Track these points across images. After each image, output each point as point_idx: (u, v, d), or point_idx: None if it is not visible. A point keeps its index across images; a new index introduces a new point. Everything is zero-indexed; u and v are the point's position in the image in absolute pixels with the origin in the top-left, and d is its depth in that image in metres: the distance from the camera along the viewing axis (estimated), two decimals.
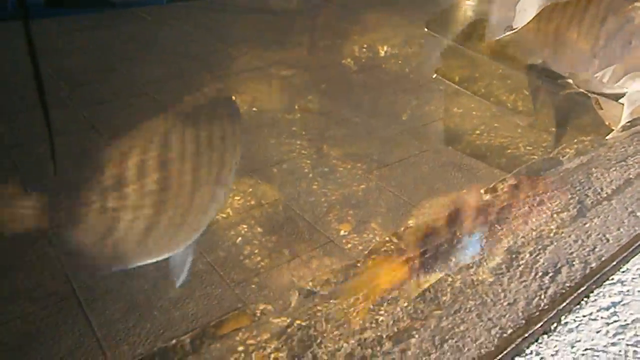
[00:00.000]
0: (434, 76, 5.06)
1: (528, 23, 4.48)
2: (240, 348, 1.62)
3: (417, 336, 1.63)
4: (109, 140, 3.00)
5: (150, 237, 1.51)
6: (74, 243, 1.48)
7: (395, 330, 1.66)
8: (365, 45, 5.20)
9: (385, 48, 5.30)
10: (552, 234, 2.03)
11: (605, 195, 2.25)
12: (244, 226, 2.08)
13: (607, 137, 2.72)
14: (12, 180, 1.59)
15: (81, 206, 1.48)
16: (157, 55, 5.19)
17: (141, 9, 8.33)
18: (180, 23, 6.86)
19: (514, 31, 4.60)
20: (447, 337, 1.62)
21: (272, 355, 1.59)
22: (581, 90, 4.19)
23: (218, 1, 10.96)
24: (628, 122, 3.04)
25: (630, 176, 2.37)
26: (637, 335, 1.59)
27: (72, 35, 5.66)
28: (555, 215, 2.12)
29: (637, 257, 1.90)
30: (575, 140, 2.74)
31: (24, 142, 2.87)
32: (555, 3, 4.48)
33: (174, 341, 1.64)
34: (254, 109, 3.16)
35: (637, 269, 1.85)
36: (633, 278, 1.81)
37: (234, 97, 3.00)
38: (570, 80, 4.28)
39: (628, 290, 1.77)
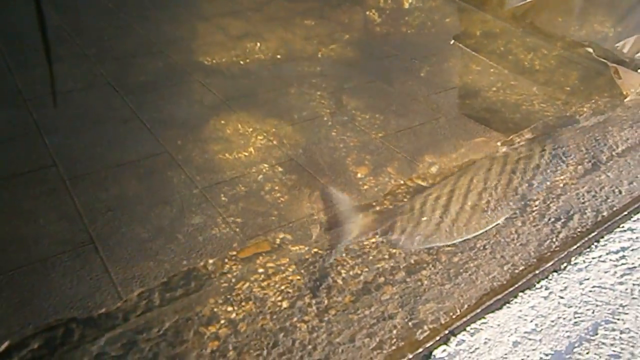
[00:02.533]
0: (452, 42, 5.05)
1: None
2: (261, 270, 1.69)
3: (431, 268, 1.69)
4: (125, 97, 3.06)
5: None
6: None
7: (410, 262, 1.72)
8: (382, 15, 5.17)
9: (402, 17, 5.26)
10: (565, 185, 2.07)
11: (619, 151, 2.28)
12: (265, 165, 2.13)
13: (625, 100, 2.74)
14: None
15: None
16: (172, 16, 5.18)
17: None
18: None
19: None
20: (460, 270, 1.68)
21: (291, 278, 1.66)
22: (601, 59, 4.18)
23: None
24: None
25: None
26: None
27: None
28: (570, 168, 2.16)
29: None
30: (593, 101, 2.76)
31: (44, 93, 2.91)
32: None
33: (200, 262, 1.71)
34: (278, 56, 3.18)
35: None
36: None
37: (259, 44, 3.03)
38: (590, 50, 4.26)
39: (638, 237, 1.82)
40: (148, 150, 2.30)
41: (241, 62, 3.17)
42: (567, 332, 1.48)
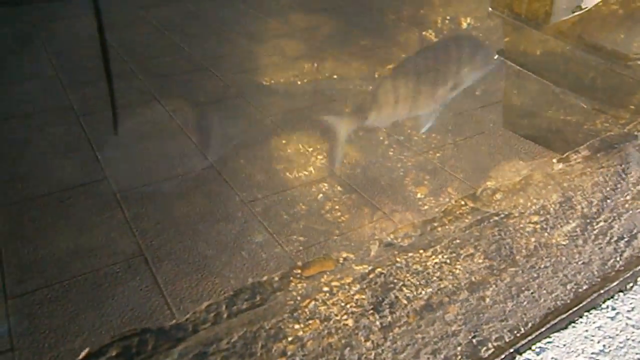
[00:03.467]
0: (496, 57, 5.04)
1: (598, 3, 4.39)
2: (325, 289, 1.75)
3: (493, 287, 1.71)
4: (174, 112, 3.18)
5: None
6: None
7: (472, 280, 1.75)
8: (428, 29, 5.21)
9: (451, 27, 5.29)
10: (627, 204, 2.05)
11: None
12: (325, 184, 2.20)
13: None
14: None
15: None
16: (217, 33, 5.36)
17: None
18: (238, 2, 7.04)
19: (583, 11, 4.52)
20: (523, 288, 1.70)
21: (356, 296, 1.71)
22: None
23: None
24: None
25: None
26: None
27: (135, 12, 5.91)
28: (631, 186, 2.14)
29: None
30: None
31: (95, 110, 3.07)
32: None
33: (265, 277, 1.78)
34: (335, 76, 3.27)
35: None
36: None
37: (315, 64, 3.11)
38: None
39: None
40: (198, 165, 2.41)
41: (298, 82, 3.26)
42: (637, 354, 1.48)
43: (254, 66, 3.81)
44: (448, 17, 5.19)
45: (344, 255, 1.88)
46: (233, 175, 2.31)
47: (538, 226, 1.97)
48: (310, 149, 2.47)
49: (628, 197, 2.09)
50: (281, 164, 2.41)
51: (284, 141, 2.57)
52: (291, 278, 1.79)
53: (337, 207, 2.11)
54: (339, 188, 2.20)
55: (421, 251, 1.86)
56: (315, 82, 3.28)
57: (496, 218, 1.99)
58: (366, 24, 4.69)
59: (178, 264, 1.90)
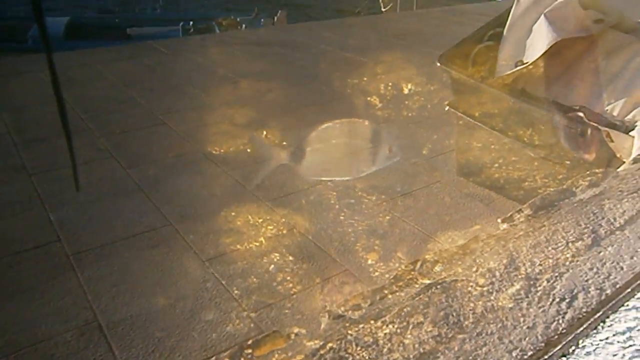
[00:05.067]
0: (447, 109, 5.23)
1: (538, 58, 4.65)
2: None
3: (442, 357, 1.73)
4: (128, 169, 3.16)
5: None
6: None
7: (421, 351, 1.76)
8: (379, 81, 5.39)
9: (399, 82, 5.48)
10: (568, 262, 2.13)
11: (618, 225, 2.35)
12: (276, 254, 2.21)
13: (618, 170, 2.84)
14: None
15: None
16: (174, 87, 5.41)
17: (157, 42, 8.68)
18: (196, 56, 7.16)
19: (524, 66, 4.77)
20: (470, 358, 1.72)
21: None
22: (592, 123, 4.32)
23: (229, 34, 11.34)
24: (639, 154, 3.15)
25: None
26: None
27: (93, 67, 5.93)
28: (570, 244, 2.23)
29: None
30: (588, 173, 2.86)
31: (49, 168, 3.03)
32: (565, 39, 4.66)
33: (213, 358, 1.75)
34: (284, 143, 3.33)
35: None
36: None
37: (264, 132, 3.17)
38: (582, 114, 4.41)
39: None
40: (156, 224, 2.39)
41: (248, 150, 3.31)
42: None
43: (212, 120, 3.84)
44: (396, 76, 5.39)
45: (296, 330, 1.88)
46: (191, 235, 2.30)
47: (485, 289, 2.02)
48: (260, 220, 2.49)
49: (568, 255, 2.17)
50: (233, 234, 2.41)
51: (233, 213, 2.58)
52: (242, 359, 1.77)
53: (288, 277, 2.12)
54: (290, 257, 2.21)
55: (372, 322, 1.87)
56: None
57: (444, 283, 2.03)
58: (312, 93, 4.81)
59: (133, 330, 1.85)
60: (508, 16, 5.10)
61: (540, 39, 4.72)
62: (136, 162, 3.11)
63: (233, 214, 2.56)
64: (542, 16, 4.72)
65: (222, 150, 3.40)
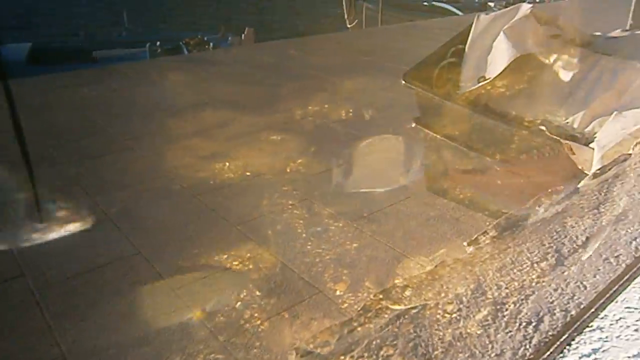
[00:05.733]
0: (413, 126, 5.29)
1: (499, 74, 4.75)
2: None
3: None
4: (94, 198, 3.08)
5: None
6: None
7: None
8: (345, 100, 5.42)
9: (365, 100, 5.52)
10: (533, 284, 2.15)
11: (580, 243, 2.40)
12: (244, 290, 2.18)
13: (579, 186, 2.90)
14: None
15: None
16: (140, 111, 5.34)
17: (123, 65, 8.58)
18: (161, 79, 7.10)
19: (486, 82, 4.87)
20: None
21: None
22: (554, 136, 4.42)
23: (197, 56, 11.30)
24: (598, 168, 3.23)
25: (603, 223, 2.53)
26: None
27: (57, 92, 5.82)
28: (535, 265, 2.26)
29: (613, 303, 2.03)
30: (550, 190, 2.91)
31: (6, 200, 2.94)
32: (524, 55, 4.78)
33: None
34: (247, 173, 3.31)
35: (614, 315, 1.98)
36: (611, 324, 1.94)
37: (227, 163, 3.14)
38: (543, 127, 4.51)
39: (607, 337, 1.89)
40: (124, 253, 2.33)
41: (211, 182, 3.28)
42: None
43: (179, 145, 3.79)
44: (363, 94, 5.42)
45: None
46: (161, 263, 2.25)
47: (453, 316, 2.02)
48: (225, 256, 2.46)
49: (533, 277, 2.19)
50: (201, 267, 2.37)
51: (195, 250, 2.54)
52: None
53: (256, 314, 2.08)
54: (257, 293, 2.18)
55: (341, 357, 1.86)
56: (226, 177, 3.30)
57: (413, 312, 2.03)
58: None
59: None
60: (469, 33, 5.21)
61: (500, 55, 4.83)
62: (102, 190, 3.04)
63: (195, 251, 2.52)
64: (502, 33, 4.84)
65: (189, 175, 3.35)
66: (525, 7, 5.06)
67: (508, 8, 5.22)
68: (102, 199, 2.85)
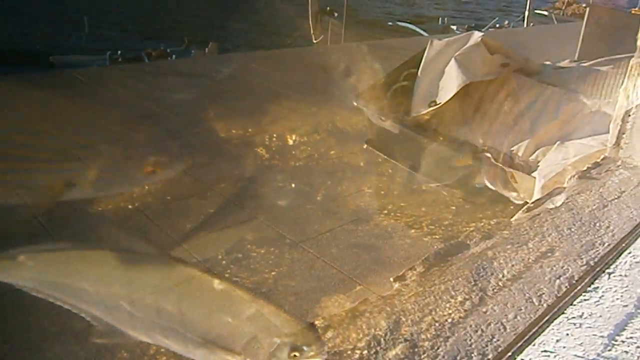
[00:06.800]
0: (365, 147, 5.25)
1: (449, 99, 4.77)
2: None
3: None
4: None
5: None
6: None
7: None
8: (298, 119, 5.36)
9: (319, 120, 5.47)
10: (453, 324, 2.10)
11: (505, 280, 2.36)
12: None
13: (511, 219, 2.89)
14: None
15: None
16: (92, 119, 5.15)
17: (80, 71, 8.33)
18: (118, 87, 6.91)
19: (437, 106, 4.88)
20: None
21: None
22: (498, 164, 4.44)
23: (157, 65, 11.10)
24: (532, 202, 3.23)
25: (530, 260, 2.51)
26: None
27: (7, 97, 5.57)
28: (457, 305, 2.21)
29: (530, 346, 2.00)
30: (483, 222, 2.89)
31: None
32: (474, 82, 4.82)
33: None
34: (168, 197, 3.19)
35: (530, 359, 1.94)
36: None
37: None
38: (489, 154, 4.53)
39: None
40: None
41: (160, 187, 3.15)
42: None
43: (128, 155, 3.63)
44: (317, 114, 5.37)
45: None
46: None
47: (365, 354, 1.94)
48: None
49: (455, 317, 2.14)
50: None
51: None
52: None
53: (162, 350, 1.97)
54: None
55: None
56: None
57: (326, 356, 1.94)
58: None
59: None
60: (422, 58, 5.23)
61: (451, 82, 4.85)
62: (45, 201, 2.87)
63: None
64: (453, 59, 4.87)
65: (136, 190, 3.22)
66: (477, 35, 5.11)
67: (460, 35, 5.27)
68: (42, 211, 2.69)
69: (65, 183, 3.52)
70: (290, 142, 4.93)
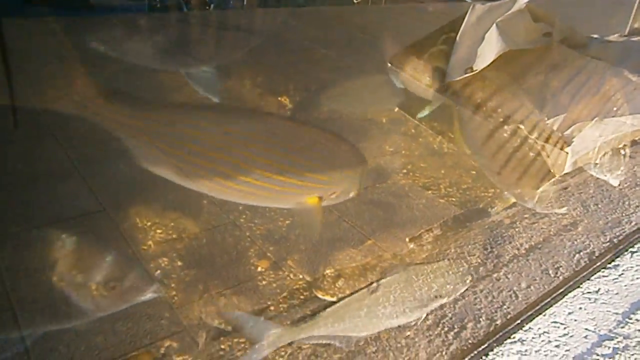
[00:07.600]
0: (395, 110, 5.16)
1: (487, 66, 4.60)
2: None
3: None
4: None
5: None
6: None
7: None
8: (330, 77, 5.28)
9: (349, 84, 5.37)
10: (464, 291, 2.08)
11: (523, 251, 2.32)
12: (165, 259, 2.09)
13: (537, 191, 2.81)
14: None
15: None
16: (124, 68, 5.16)
17: (119, 17, 8.32)
18: (153, 35, 6.88)
19: (473, 73, 4.72)
20: None
21: None
22: (531, 136, 4.31)
23: (194, 15, 11.01)
24: (564, 174, 3.14)
25: (551, 232, 2.45)
26: None
27: (41, 38, 5.63)
28: (472, 270, 2.18)
29: (540, 316, 1.97)
30: (507, 193, 2.82)
31: None
32: (513, 50, 4.63)
33: None
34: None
35: (539, 329, 1.92)
36: (533, 337, 1.88)
37: None
38: (522, 127, 4.40)
39: (526, 350, 1.82)
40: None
41: None
42: None
43: None
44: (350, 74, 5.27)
45: (167, 344, 1.77)
46: None
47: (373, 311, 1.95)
48: (149, 223, 2.34)
49: (467, 281, 2.12)
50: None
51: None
52: None
53: (173, 285, 2.00)
54: (179, 263, 2.10)
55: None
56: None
57: (335, 307, 1.95)
58: None
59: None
60: (462, 22, 5.04)
61: (490, 48, 4.67)
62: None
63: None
64: (494, 25, 4.68)
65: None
66: (522, 1, 4.88)
67: (504, 0, 5.04)
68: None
69: None
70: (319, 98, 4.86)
